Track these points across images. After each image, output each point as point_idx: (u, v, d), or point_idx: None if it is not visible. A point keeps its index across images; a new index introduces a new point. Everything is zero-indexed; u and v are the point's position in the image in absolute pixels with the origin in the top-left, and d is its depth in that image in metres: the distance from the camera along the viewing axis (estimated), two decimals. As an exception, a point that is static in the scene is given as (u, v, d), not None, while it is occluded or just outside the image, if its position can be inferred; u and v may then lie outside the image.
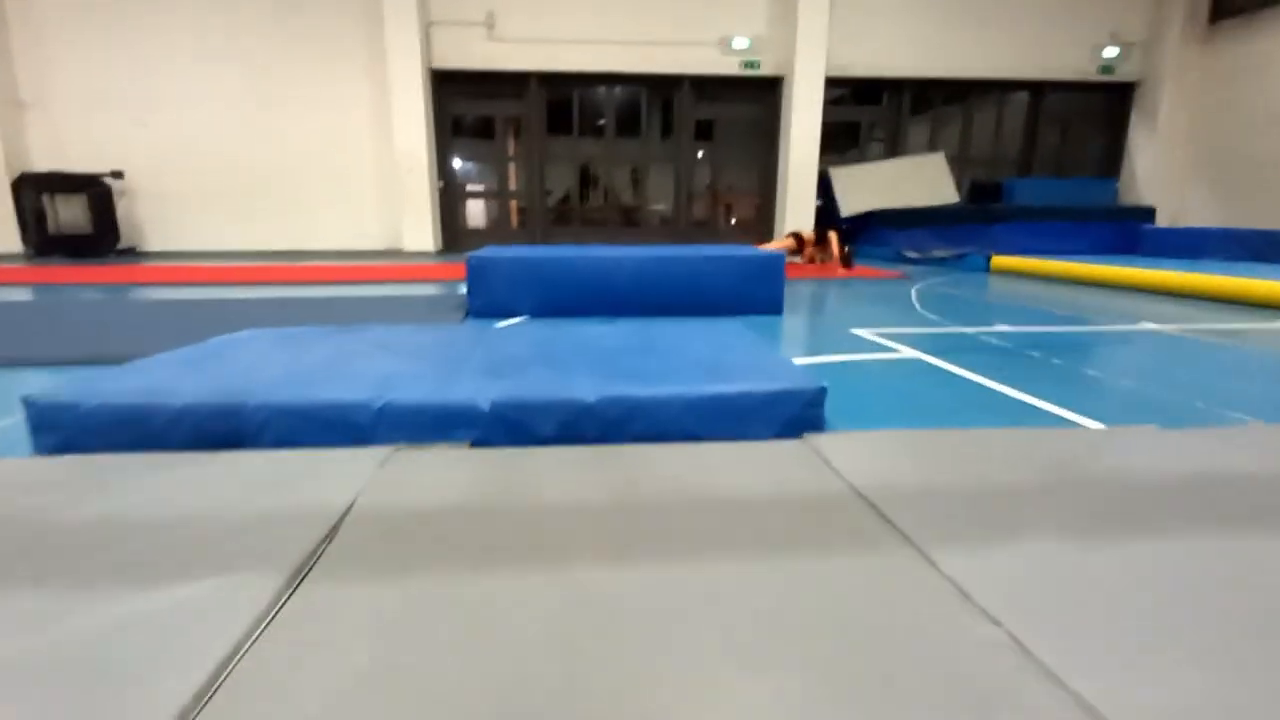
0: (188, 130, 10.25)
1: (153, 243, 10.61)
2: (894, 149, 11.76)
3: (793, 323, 4.30)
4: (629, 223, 11.88)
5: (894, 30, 10.94)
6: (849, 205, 11.06)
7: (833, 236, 7.93)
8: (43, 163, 10.02)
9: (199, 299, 4.87)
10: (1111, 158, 11.98)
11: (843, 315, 4.69)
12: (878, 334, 3.76)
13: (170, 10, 9.89)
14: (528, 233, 11.38)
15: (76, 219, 9.78)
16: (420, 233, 10.53)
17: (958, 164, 11.46)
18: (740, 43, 10.68)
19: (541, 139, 11.03)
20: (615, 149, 11.42)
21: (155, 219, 10.54)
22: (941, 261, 8.81)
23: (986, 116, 11.99)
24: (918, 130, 11.93)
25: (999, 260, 7.73)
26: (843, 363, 3.10)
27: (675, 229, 11.66)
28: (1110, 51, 11.21)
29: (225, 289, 5.76)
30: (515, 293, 4.32)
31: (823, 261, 8.37)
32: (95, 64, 9.93)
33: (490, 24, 10.21)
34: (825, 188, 11.06)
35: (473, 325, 3.77)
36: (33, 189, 9.64)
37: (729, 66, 10.82)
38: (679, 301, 4.32)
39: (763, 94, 11.24)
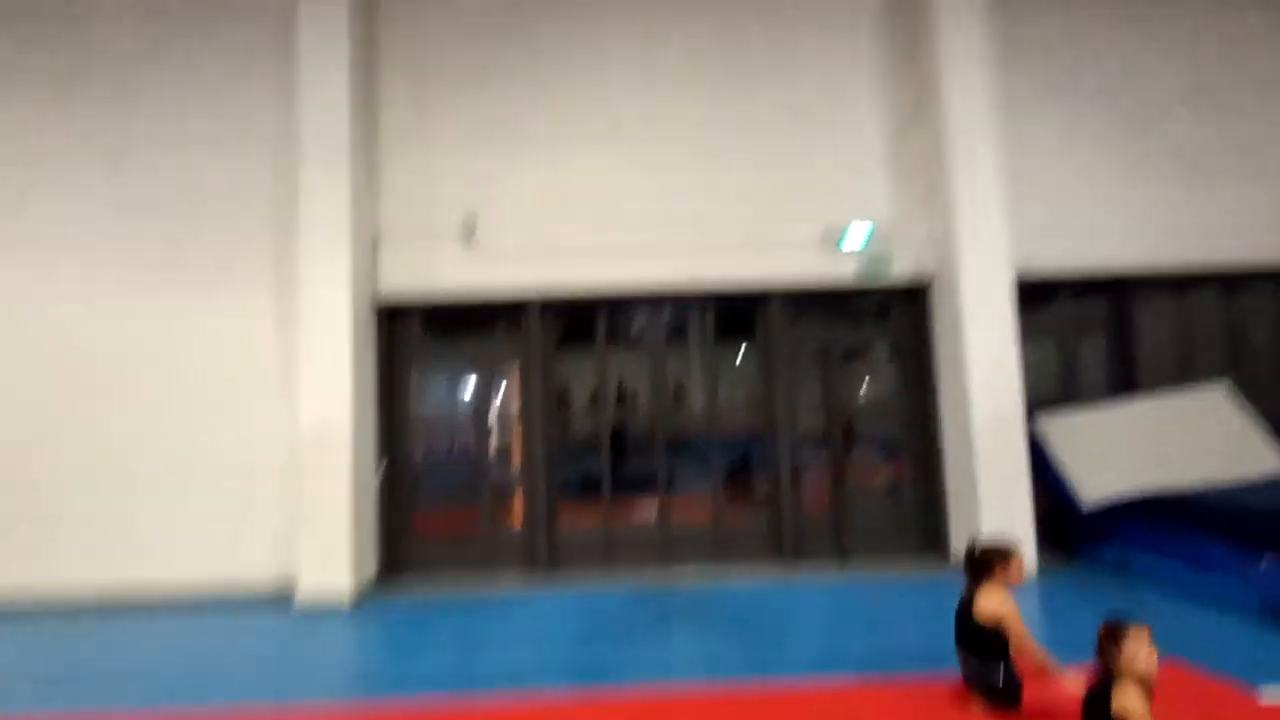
0: None
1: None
2: (1126, 381, 7.11)
3: None
4: (668, 512, 7.20)
5: (1111, 199, 6.99)
6: (1092, 485, 6.15)
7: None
8: None
9: None
10: None
11: None
12: None
13: None
14: (529, 534, 6.82)
15: None
16: (327, 559, 6.01)
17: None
18: (856, 235, 6.83)
19: (545, 400, 6.98)
20: (661, 397, 7.19)
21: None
22: None
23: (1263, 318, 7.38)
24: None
25: None
26: None
27: (775, 544, 6.85)
28: None
29: None
30: None
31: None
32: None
33: (471, 231, 6.78)
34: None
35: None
36: None
37: (835, 271, 6.88)
38: None
39: (901, 306, 7.13)
